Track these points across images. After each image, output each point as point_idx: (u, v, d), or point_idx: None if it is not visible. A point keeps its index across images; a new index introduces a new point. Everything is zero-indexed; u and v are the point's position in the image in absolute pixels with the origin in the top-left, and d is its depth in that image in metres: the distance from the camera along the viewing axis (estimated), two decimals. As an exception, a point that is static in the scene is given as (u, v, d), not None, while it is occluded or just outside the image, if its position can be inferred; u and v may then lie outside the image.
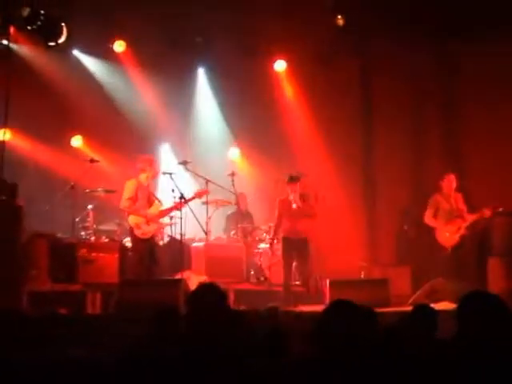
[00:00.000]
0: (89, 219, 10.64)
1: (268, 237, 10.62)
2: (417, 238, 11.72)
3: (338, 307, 3.75)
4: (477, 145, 12.23)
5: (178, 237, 10.37)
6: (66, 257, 10.13)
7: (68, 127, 11.59)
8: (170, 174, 9.95)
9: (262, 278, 10.79)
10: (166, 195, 10.26)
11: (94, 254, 10.17)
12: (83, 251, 10.14)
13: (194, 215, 10.00)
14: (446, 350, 3.53)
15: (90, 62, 12.07)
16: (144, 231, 9.67)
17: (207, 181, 10.85)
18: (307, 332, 3.80)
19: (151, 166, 9.80)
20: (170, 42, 12.34)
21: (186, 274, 9.75)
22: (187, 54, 12.61)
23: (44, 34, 8.98)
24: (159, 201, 10.00)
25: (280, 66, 12.78)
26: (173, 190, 9.98)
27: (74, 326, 7.37)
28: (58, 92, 11.27)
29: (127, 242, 10.46)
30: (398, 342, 3.62)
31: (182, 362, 3.54)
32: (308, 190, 9.97)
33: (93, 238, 10.56)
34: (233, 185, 11.49)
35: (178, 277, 9.57)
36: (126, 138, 11.40)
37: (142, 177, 9.77)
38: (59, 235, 10.49)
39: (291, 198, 9.78)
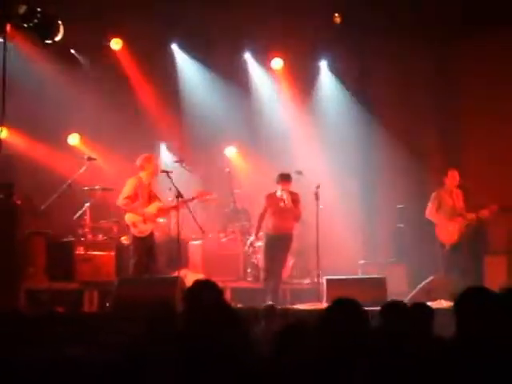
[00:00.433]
0: (86, 217, 10.63)
1: (251, 239, 10.46)
2: (413, 236, 11.73)
3: (341, 305, 3.75)
4: (474, 143, 12.25)
5: (174, 235, 10.35)
6: (63, 255, 10.14)
7: (65, 125, 11.56)
8: (167, 172, 9.95)
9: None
10: (163, 193, 10.27)
11: (91, 252, 10.19)
12: (80, 249, 10.15)
13: (191, 213, 10.00)
14: (444, 347, 3.53)
15: (88, 60, 12.05)
16: (141, 230, 9.67)
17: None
18: (305, 330, 3.81)
19: (150, 163, 9.80)
20: (167, 40, 12.36)
21: (182, 272, 9.75)
22: (184, 52, 12.62)
23: (40, 32, 8.95)
24: (159, 200, 10.00)
25: (277, 63, 12.77)
26: (170, 189, 9.98)
27: (71, 325, 7.38)
28: (55, 90, 11.24)
29: (124, 240, 10.46)
30: (396, 340, 3.62)
31: (178, 360, 3.54)
32: (296, 194, 9.96)
33: (90, 237, 10.54)
34: (229, 182, 11.48)
35: (174, 275, 9.57)
36: (124, 136, 11.38)
37: (142, 175, 9.77)
38: (56, 233, 10.48)
39: (279, 194, 9.78)
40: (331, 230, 11.21)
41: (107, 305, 9.29)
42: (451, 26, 11.86)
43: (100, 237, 10.64)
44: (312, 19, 11.84)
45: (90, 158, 10.87)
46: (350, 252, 11.54)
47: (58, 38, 9.03)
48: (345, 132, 12.65)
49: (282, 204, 9.76)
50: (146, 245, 9.74)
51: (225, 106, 12.55)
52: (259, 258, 10.80)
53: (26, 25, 8.64)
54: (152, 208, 9.78)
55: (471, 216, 10.40)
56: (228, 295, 9.79)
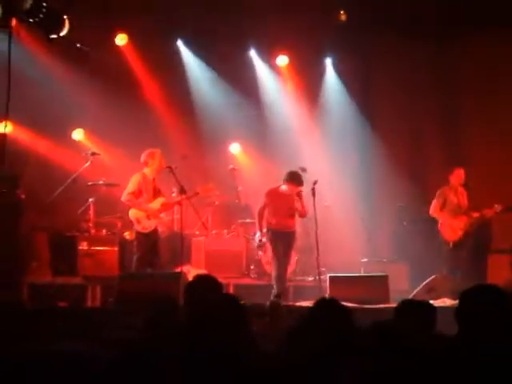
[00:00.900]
0: (90, 212, 10.64)
1: (258, 235, 10.13)
2: (416, 233, 11.73)
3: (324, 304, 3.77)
4: (477, 141, 12.25)
5: (178, 231, 10.37)
6: (66, 250, 10.16)
7: (69, 120, 11.57)
8: (171, 168, 9.96)
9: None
10: (167, 189, 10.28)
11: (94, 247, 10.20)
12: (84, 244, 10.17)
13: (194, 208, 10.01)
14: (446, 345, 3.53)
15: (93, 55, 12.05)
16: (144, 225, 9.68)
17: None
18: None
19: (154, 159, 9.79)
20: (172, 36, 12.36)
21: (185, 268, 9.75)
22: (189, 49, 12.62)
23: (46, 27, 8.95)
24: (163, 195, 10.01)
25: (282, 60, 12.77)
26: (174, 185, 10.00)
27: (73, 319, 7.39)
28: (60, 85, 11.25)
29: (127, 235, 10.47)
30: (396, 338, 3.62)
31: (181, 355, 3.55)
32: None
33: (93, 231, 10.56)
34: (233, 179, 11.48)
35: (177, 270, 9.58)
36: (128, 132, 11.38)
37: (147, 171, 9.79)
38: (60, 228, 10.50)
39: (283, 188, 9.70)
40: (334, 228, 11.21)
41: (110, 300, 9.30)
42: (452, 25, 11.85)
43: (104, 232, 10.65)
44: (317, 16, 11.83)
45: (94, 153, 10.89)
46: (352, 250, 11.54)
47: (63, 33, 9.03)
48: (348, 129, 12.66)
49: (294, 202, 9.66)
50: (149, 240, 9.75)
51: (229, 103, 12.56)
52: (261, 255, 10.78)
53: (31, 20, 8.64)
54: (156, 204, 9.79)
55: (475, 214, 10.40)
56: (231, 292, 9.79)
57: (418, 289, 9.69)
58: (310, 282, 10.86)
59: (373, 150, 12.68)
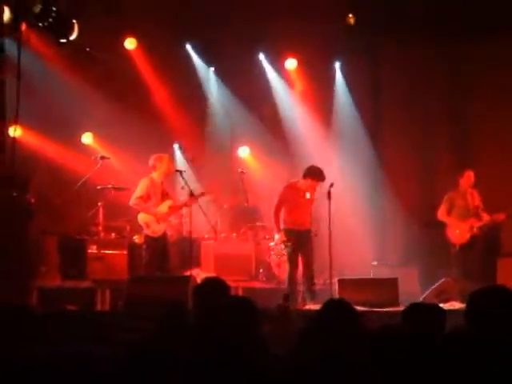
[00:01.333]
0: (99, 216, 10.67)
1: (278, 237, 9.86)
2: (426, 237, 11.71)
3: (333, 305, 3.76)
4: (488, 144, 12.20)
5: (187, 234, 10.38)
6: (75, 253, 10.19)
7: (78, 124, 11.61)
8: (180, 171, 9.98)
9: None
10: (176, 193, 10.30)
11: (103, 251, 10.22)
12: (93, 248, 10.19)
13: (204, 212, 10.02)
14: (455, 345, 3.51)
15: (102, 59, 12.09)
16: (154, 230, 9.68)
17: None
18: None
19: (162, 163, 9.81)
20: (181, 40, 12.40)
21: (195, 272, 9.77)
22: (198, 53, 12.65)
23: (55, 31, 8.99)
24: (171, 198, 10.03)
25: (291, 64, 12.77)
26: (182, 188, 10.02)
27: (83, 323, 7.40)
28: (69, 89, 11.29)
29: (136, 239, 10.49)
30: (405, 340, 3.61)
31: (190, 358, 3.55)
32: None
33: (102, 235, 10.58)
34: (242, 182, 11.49)
35: (187, 274, 9.59)
36: (137, 136, 11.41)
37: (155, 175, 9.80)
38: (69, 232, 10.53)
39: (301, 184, 9.62)
40: (344, 231, 11.19)
41: (119, 303, 9.31)
42: (463, 30, 11.82)
43: (113, 235, 10.68)
44: (325, 20, 11.83)
45: (103, 157, 10.92)
46: (362, 253, 11.51)
47: (72, 38, 9.08)
48: (358, 133, 12.65)
49: (308, 196, 9.54)
50: (159, 244, 9.75)
51: (238, 107, 12.57)
52: (271, 258, 10.72)
53: (41, 24, 8.69)
54: (163, 207, 9.80)
55: (486, 217, 10.38)
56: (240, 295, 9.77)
57: (428, 292, 9.67)
58: (319, 285, 10.82)
59: (383, 154, 12.67)
